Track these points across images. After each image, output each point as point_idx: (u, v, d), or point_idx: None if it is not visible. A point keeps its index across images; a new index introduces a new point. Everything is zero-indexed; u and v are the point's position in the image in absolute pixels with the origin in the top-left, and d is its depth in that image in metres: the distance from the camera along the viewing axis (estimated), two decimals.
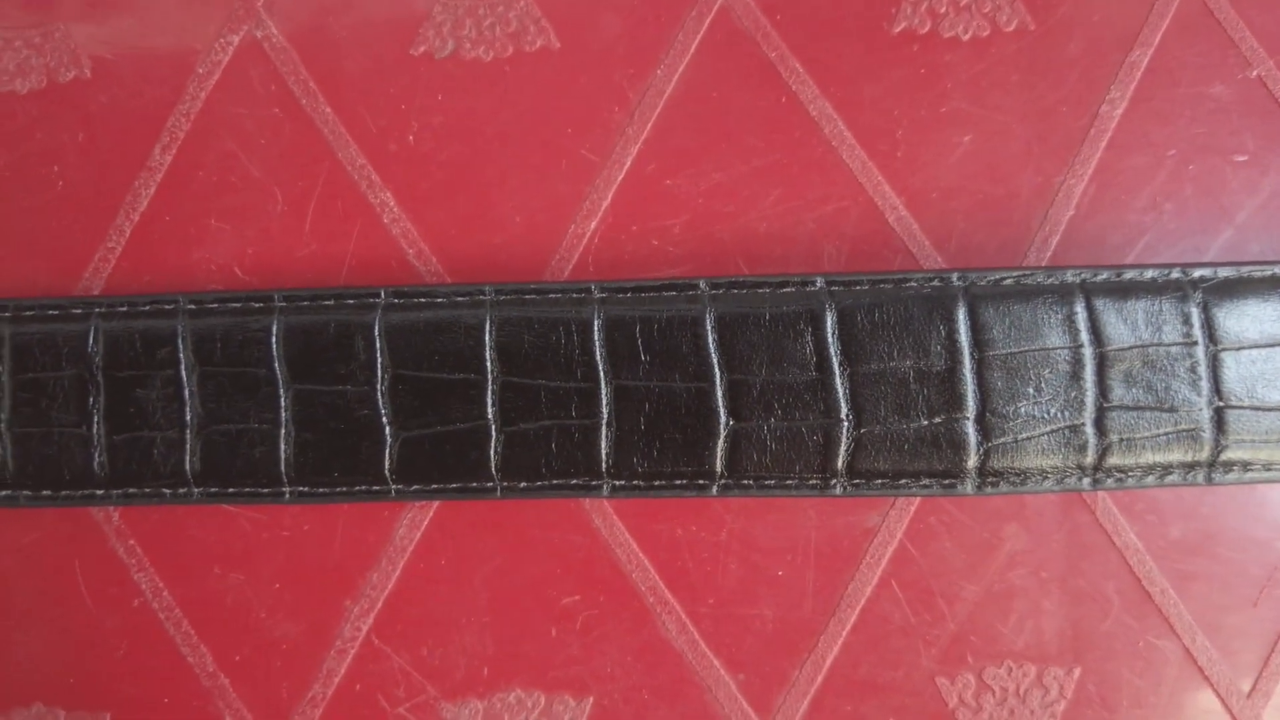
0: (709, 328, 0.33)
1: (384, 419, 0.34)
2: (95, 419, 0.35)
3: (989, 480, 0.34)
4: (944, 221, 0.35)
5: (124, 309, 0.35)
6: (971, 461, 0.33)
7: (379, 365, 0.34)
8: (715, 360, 0.33)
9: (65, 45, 0.37)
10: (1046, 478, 0.34)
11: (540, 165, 0.35)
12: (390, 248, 0.35)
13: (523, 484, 0.34)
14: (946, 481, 0.34)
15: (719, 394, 0.33)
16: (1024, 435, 0.34)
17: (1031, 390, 0.33)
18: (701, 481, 0.34)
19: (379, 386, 0.34)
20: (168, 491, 0.35)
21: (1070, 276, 0.34)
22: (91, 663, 0.35)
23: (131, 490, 0.35)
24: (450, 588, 0.35)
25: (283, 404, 0.34)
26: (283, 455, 0.34)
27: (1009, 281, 0.34)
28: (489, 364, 0.34)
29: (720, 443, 0.33)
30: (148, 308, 0.35)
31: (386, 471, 0.34)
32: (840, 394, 0.33)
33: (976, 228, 0.35)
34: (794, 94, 0.35)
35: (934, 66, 0.35)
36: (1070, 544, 0.35)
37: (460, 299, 0.34)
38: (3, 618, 0.36)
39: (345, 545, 0.35)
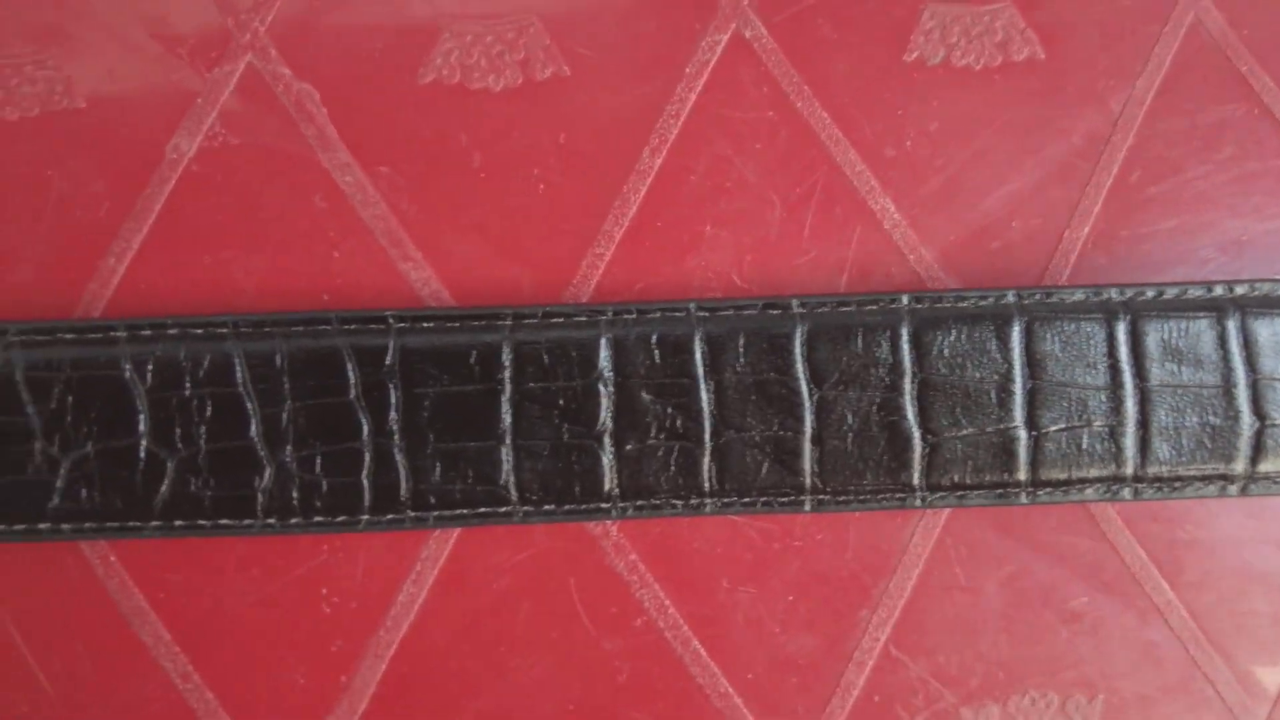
0: (1232, 329, 0.33)
1: (912, 424, 0.32)
2: (606, 429, 0.32)
3: None
4: None
5: (632, 315, 0.32)
6: None
7: (907, 370, 0.31)
8: (1239, 360, 0.33)
9: (539, 41, 0.33)
10: None
11: (1032, 171, 0.33)
12: (891, 253, 0.33)
13: (1046, 490, 0.32)
14: None
15: (1242, 394, 0.33)
16: None
17: None
18: (1222, 482, 0.33)
19: (907, 391, 0.32)
20: (679, 503, 0.32)
21: None
22: (594, 687, 0.32)
23: (641, 503, 0.32)
24: (964, 595, 0.33)
25: (807, 411, 0.32)
26: (807, 463, 0.32)
27: None
28: (1018, 367, 0.32)
29: (1243, 441, 0.33)
30: (658, 314, 0.32)
31: (916, 477, 0.32)
32: None
33: None
34: (1265, 105, 0.35)
35: None
36: None
37: (983, 303, 0.33)
38: (500, 644, 0.32)
39: (859, 554, 0.33)
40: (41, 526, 0.30)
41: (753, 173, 0.31)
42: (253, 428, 0.30)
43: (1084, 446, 0.31)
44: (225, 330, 0.30)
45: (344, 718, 0.30)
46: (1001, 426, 0.31)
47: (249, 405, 0.30)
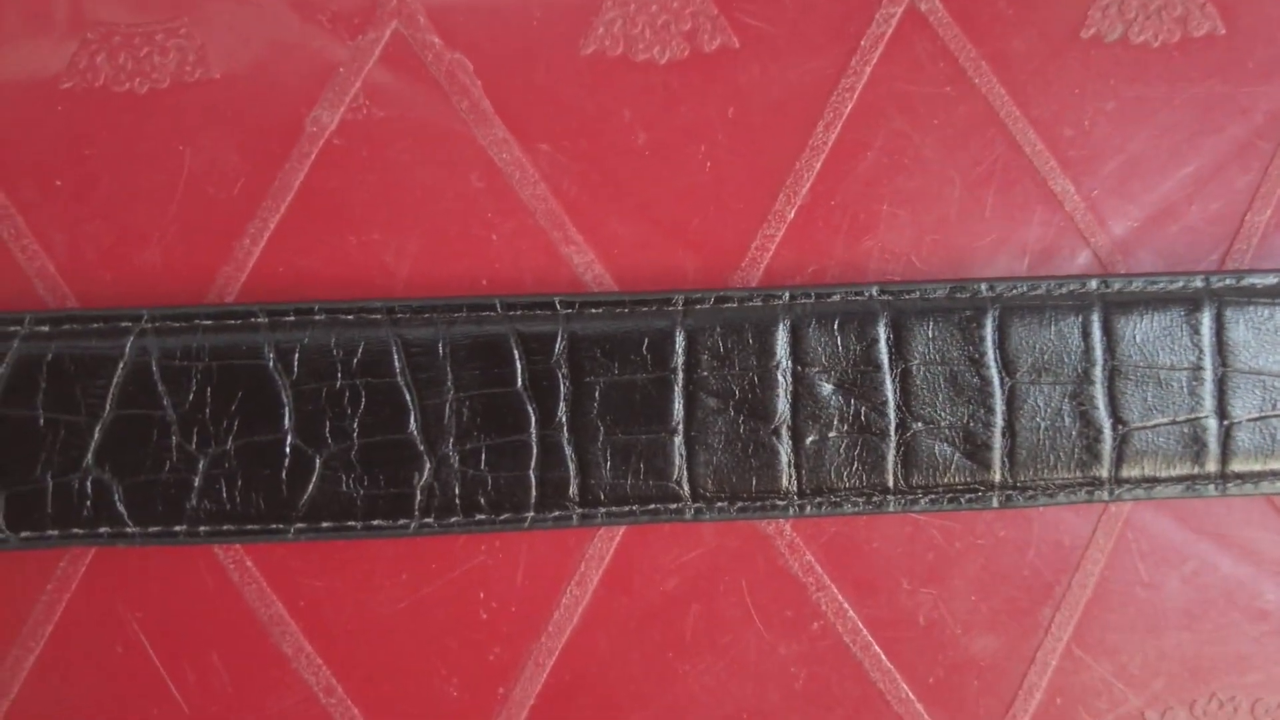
0: None
1: (1104, 413, 0.30)
2: (784, 421, 0.30)
3: None
4: None
5: (810, 299, 0.30)
6: None
7: (1099, 357, 0.29)
8: None
9: (706, 11, 0.31)
10: None
11: (1212, 151, 0.31)
12: (1072, 235, 0.31)
13: (1236, 482, 0.31)
14: None
15: None
16: None
17: None
18: None
19: (1099, 379, 0.31)
20: (860, 500, 0.30)
21: None
22: (769, 694, 0.30)
23: (820, 500, 0.30)
24: (1147, 592, 0.31)
25: (998, 401, 0.30)
26: (998, 457, 0.30)
27: None
28: (1208, 353, 0.28)
29: None
30: (838, 298, 0.30)
31: (1105, 470, 0.31)
32: None
33: None
34: None
35: None
36: None
37: (1173, 287, 0.31)
38: (668, 649, 0.30)
39: (1041, 551, 0.31)
40: (177, 529, 0.28)
41: (931, 150, 0.30)
42: (411, 420, 0.28)
43: (1278, 437, 0.29)
44: (379, 316, 0.28)
45: None
46: (1192, 416, 0.29)
47: (408, 396, 0.28)
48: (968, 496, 0.29)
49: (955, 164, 0.30)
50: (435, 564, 0.28)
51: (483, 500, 0.28)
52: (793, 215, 0.29)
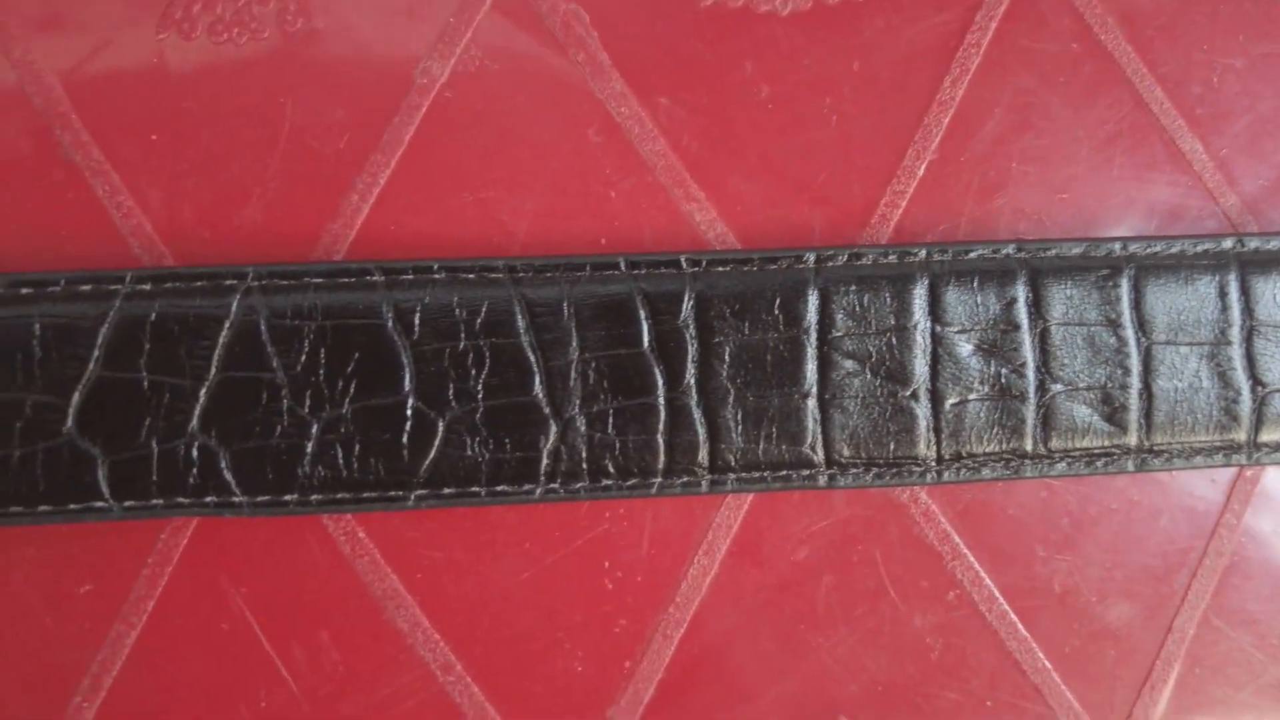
0: None
1: (1242, 375, 0.29)
2: (923, 383, 0.29)
3: None
4: None
5: (946, 256, 0.29)
6: None
7: (1236, 318, 0.28)
8: None
9: None
10: None
11: None
12: (1201, 195, 0.30)
13: None
14: None
15: None
16: None
17: None
18: None
19: (1236, 339, 0.30)
20: (999, 465, 0.30)
21: None
22: (904, 666, 0.29)
23: (960, 465, 0.29)
24: None
25: (1135, 362, 0.29)
26: (1134, 419, 0.29)
27: None
28: None
29: None
30: (975, 255, 0.30)
31: (1244, 433, 0.29)
32: None
33: None
34: None
35: None
36: None
37: None
38: (800, 621, 0.29)
39: (1174, 517, 0.29)
40: (287, 498, 0.26)
41: (1058, 107, 0.29)
42: (537, 382, 0.26)
43: None
44: (501, 275, 0.27)
45: (628, 710, 0.27)
46: None
47: (532, 357, 0.26)
48: (1103, 460, 0.28)
49: (1082, 122, 0.29)
50: (559, 533, 0.27)
51: (610, 465, 0.26)
52: (922, 172, 0.28)
